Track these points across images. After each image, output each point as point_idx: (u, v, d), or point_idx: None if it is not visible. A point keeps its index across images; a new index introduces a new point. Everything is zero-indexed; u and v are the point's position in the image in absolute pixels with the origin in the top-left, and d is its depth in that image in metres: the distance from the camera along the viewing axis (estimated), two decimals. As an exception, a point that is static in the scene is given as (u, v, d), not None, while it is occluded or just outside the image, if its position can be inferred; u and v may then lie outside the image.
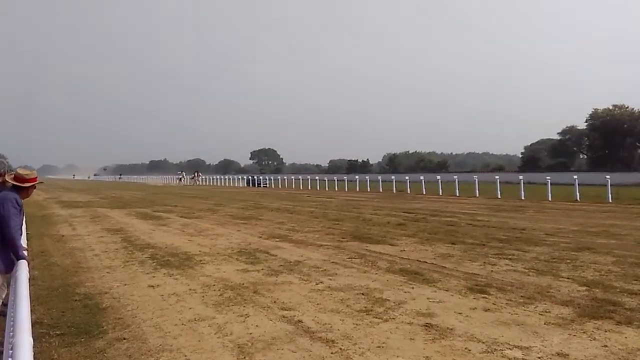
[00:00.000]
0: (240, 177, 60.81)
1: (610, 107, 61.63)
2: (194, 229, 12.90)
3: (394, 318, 4.89)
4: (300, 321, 4.83)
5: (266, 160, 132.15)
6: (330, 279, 6.66)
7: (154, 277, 7.12)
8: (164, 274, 7.31)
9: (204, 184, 60.38)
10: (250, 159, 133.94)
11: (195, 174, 62.67)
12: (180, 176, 67.56)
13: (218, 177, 63.75)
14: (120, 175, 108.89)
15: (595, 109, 62.37)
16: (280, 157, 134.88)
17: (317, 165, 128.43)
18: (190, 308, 5.43)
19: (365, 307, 5.29)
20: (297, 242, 10.17)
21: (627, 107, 60.77)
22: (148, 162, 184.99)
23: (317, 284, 6.39)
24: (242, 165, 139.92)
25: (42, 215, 17.88)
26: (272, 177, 55.38)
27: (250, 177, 57.24)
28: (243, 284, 6.49)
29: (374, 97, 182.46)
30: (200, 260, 8.29)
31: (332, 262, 7.95)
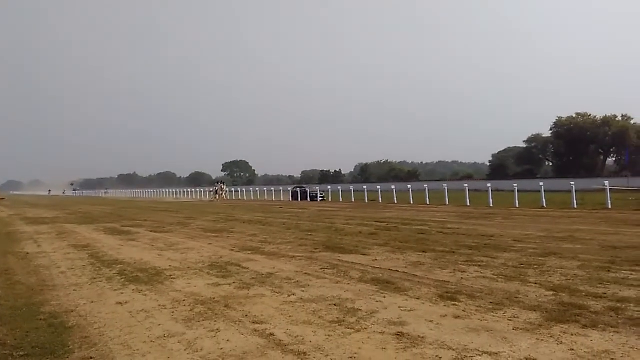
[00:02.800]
0: (286, 189, 48.83)
1: (574, 115, 63.62)
2: (164, 244, 12.69)
3: (365, 328, 4.90)
4: (272, 334, 4.79)
5: (238, 172, 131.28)
6: (303, 291, 6.64)
7: (122, 293, 6.96)
8: (133, 290, 7.16)
9: (229, 198, 50.80)
10: (222, 170, 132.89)
11: (219, 186, 50.19)
12: (217, 188, 50.18)
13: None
14: (107, 189, 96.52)
15: (559, 117, 64.31)
16: (253, 168, 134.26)
17: (289, 176, 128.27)
18: (159, 324, 5.32)
19: (338, 317, 5.29)
20: (270, 254, 10.11)
21: (590, 115, 62.84)
22: (117, 176, 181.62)
23: (290, 296, 6.35)
24: (213, 178, 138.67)
25: (6, 233, 17.33)
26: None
27: (299, 189, 44.34)
28: (214, 298, 6.41)
29: (345, 107, 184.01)
30: (171, 275, 8.15)
31: (305, 273, 7.92)
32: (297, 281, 7.30)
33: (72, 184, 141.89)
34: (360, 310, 5.57)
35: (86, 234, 16.35)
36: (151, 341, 4.76)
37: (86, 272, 8.86)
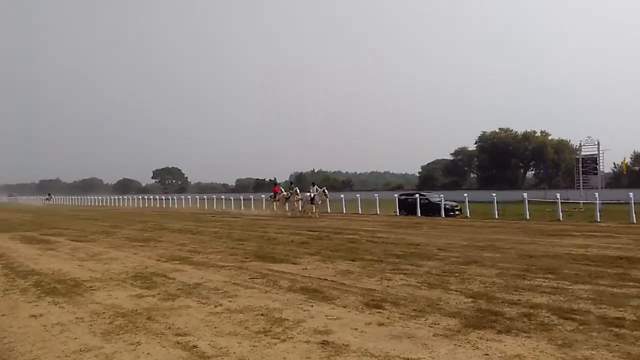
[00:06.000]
0: (401, 195, 29.54)
1: (497, 130, 67.28)
2: (86, 253, 12.09)
3: (291, 337, 4.91)
4: (195, 346, 4.69)
5: (170, 180, 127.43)
6: (230, 301, 6.55)
7: (37, 306, 6.58)
8: (49, 302, 6.78)
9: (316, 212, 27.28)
10: (152, 177, 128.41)
11: (294, 190, 29.39)
12: (288, 194, 29.69)
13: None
14: (49, 194, 75.98)
15: (483, 132, 67.74)
16: (185, 176, 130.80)
17: (224, 184, 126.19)
18: (75, 338, 5.07)
19: (264, 328, 5.26)
20: (198, 264, 9.89)
21: (512, 130, 66.69)
22: (38, 182, 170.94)
23: (216, 307, 6.25)
24: (143, 185, 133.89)
25: None
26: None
27: (418, 196, 26.79)
28: (136, 310, 6.18)
29: (280, 116, 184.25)
30: (91, 287, 7.78)
31: (233, 283, 7.83)
32: (225, 291, 7.19)
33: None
34: (287, 319, 5.57)
35: (1, 242, 15.30)
36: (65, 356, 4.53)
37: (-3, 284, 8.27)
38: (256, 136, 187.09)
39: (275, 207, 32.51)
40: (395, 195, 28.93)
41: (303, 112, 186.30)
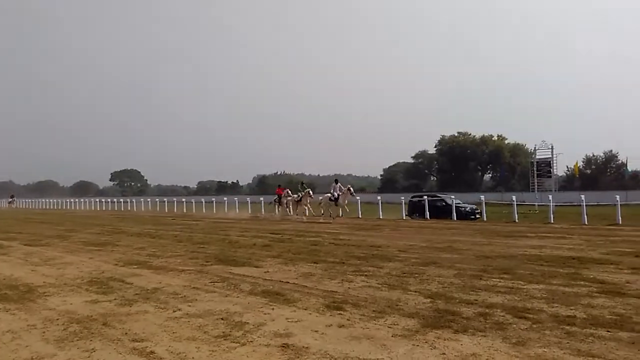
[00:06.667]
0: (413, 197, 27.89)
1: (456, 134, 68.91)
2: (40, 258, 11.67)
3: (251, 341, 4.88)
4: (152, 352, 4.60)
5: (129, 182, 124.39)
6: (189, 306, 6.46)
7: (-15, 314, 6.30)
8: (0, 309, 6.51)
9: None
10: (110, 180, 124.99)
11: (306, 191, 26.07)
12: (299, 196, 26.67)
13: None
14: (12, 196, 67.86)
15: (442, 136, 69.30)
16: (145, 178, 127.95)
17: (185, 186, 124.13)
18: (27, 346, 4.89)
19: (224, 332, 5.21)
20: (157, 268, 9.70)
21: (470, 134, 68.44)
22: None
23: (175, 312, 6.14)
24: (101, 187, 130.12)
25: None
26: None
27: (422, 200, 25.36)
28: (91, 316, 6.01)
29: (244, 119, 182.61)
30: (44, 293, 7.52)
31: (193, 287, 7.71)
32: (184, 296, 7.08)
33: None
34: (247, 323, 5.53)
35: (-55, 248, 14.56)
36: (15, 365, 4.36)
37: (-59, 291, 7.88)
38: (219, 138, 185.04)
39: (278, 211, 29.24)
40: (402, 197, 27.08)
41: (265, 115, 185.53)
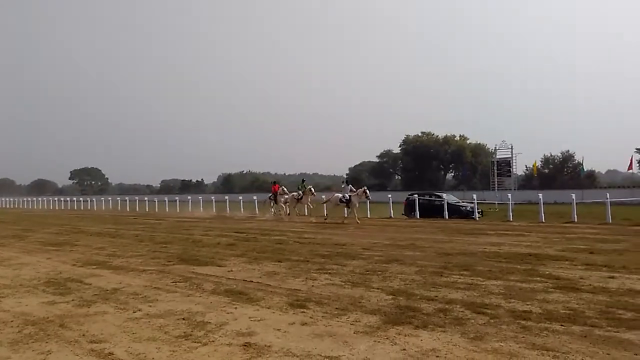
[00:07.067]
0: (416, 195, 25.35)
1: (420, 134, 69.97)
2: (-7, 259, 11.24)
3: (213, 341, 4.84)
4: (111, 353, 4.50)
5: (89, 181, 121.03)
6: (150, 306, 6.35)
7: None
8: (-52, 313, 6.24)
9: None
10: (70, 178, 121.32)
11: (308, 189, 25.18)
12: (300, 195, 25.48)
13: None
14: None
15: (407, 135, 70.24)
16: (106, 177, 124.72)
17: (148, 185, 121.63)
18: (-22, 351, 4.71)
19: (185, 332, 5.14)
20: (117, 268, 9.50)
21: (433, 134, 69.62)
22: None
23: (135, 312, 6.03)
24: (60, 186, 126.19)
25: None
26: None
27: (421, 198, 24.92)
28: (48, 317, 5.84)
29: (209, 117, 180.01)
30: (-3, 295, 7.25)
31: (154, 287, 7.58)
32: (145, 296, 6.95)
33: None
34: (209, 323, 5.48)
35: None
36: (-36, 371, 4.19)
37: None
38: (183, 136, 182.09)
39: (273, 210, 27.03)
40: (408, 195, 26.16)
41: (231, 114, 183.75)
